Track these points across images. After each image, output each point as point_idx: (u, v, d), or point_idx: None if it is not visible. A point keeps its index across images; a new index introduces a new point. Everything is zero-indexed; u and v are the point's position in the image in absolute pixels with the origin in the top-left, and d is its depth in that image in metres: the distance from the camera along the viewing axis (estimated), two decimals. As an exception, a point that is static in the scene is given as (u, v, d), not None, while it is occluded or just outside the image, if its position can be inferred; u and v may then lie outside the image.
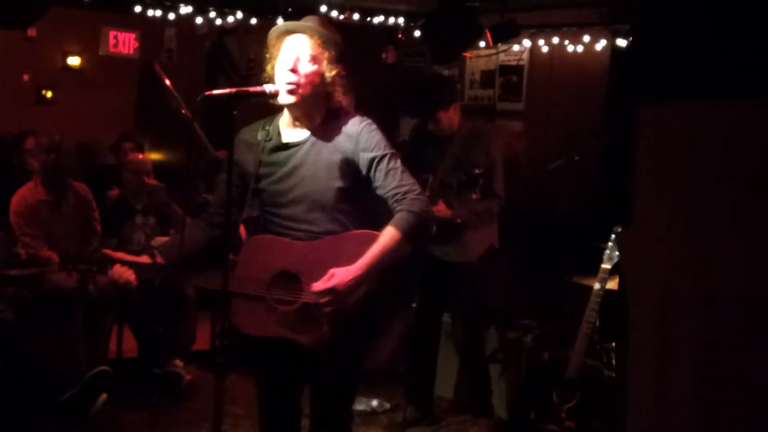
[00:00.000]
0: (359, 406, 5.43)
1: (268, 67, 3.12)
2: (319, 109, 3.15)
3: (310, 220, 3.11)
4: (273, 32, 3.12)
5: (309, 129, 3.15)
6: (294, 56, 3.06)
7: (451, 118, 5.19)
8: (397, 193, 3.05)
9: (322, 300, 2.97)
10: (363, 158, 3.07)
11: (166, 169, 7.60)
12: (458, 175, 4.92)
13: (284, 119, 3.21)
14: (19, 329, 5.20)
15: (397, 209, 3.04)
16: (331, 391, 3.22)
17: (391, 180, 3.06)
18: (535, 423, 4.68)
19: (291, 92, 3.05)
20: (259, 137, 3.21)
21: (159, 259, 3.25)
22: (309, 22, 3.14)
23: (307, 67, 3.05)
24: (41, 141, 5.99)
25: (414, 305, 5.15)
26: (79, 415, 5.10)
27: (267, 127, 3.23)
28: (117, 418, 5.22)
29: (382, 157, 3.06)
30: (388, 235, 2.99)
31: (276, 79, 3.08)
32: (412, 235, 3.01)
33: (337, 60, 3.12)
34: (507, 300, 6.30)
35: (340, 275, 2.95)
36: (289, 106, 3.13)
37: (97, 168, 8.32)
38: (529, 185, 7.30)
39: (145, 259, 3.26)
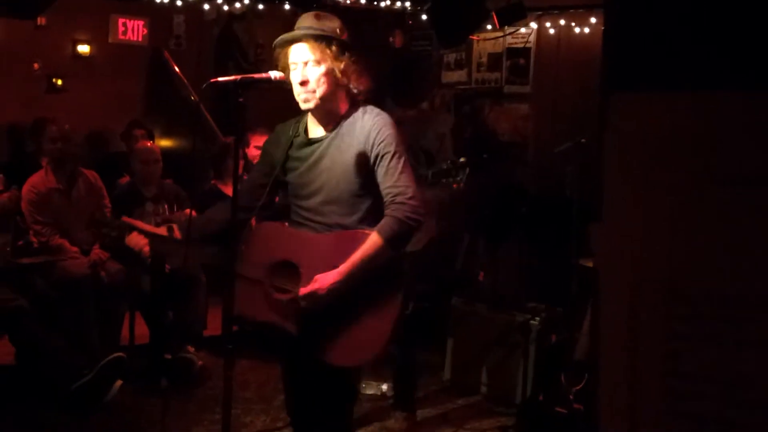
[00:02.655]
0: (369, 390, 5.47)
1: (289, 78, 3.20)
2: (340, 103, 3.20)
3: (325, 212, 3.18)
4: (275, 45, 3.21)
5: (333, 123, 3.21)
6: (300, 67, 3.13)
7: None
8: (388, 194, 3.07)
9: (303, 303, 3.06)
10: (371, 153, 3.10)
11: (176, 155, 7.62)
12: (438, 163, 4.83)
13: (310, 116, 3.28)
14: (33, 317, 5.25)
15: (385, 212, 3.06)
16: (318, 381, 3.26)
17: (388, 179, 3.07)
18: (544, 405, 4.71)
19: (309, 99, 3.14)
20: (290, 133, 3.31)
21: (177, 234, 3.31)
22: (303, 22, 3.18)
23: (314, 72, 3.11)
24: (52, 130, 6.03)
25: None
26: (93, 401, 5.15)
27: (297, 124, 3.33)
28: (130, 404, 5.27)
29: (385, 154, 3.08)
30: (371, 240, 3.02)
31: (294, 92, 3.17)
32: (394, 241, 3.03)
33: (343, 51, 3.15)
34: (515, 283, 6.33)
35: (321, 280, 3.04)
36: (313, 111, 3.21)
37: (108, 156, 8.36)
38: (536, 168, 7.32)
39: (162, 231, 3.32)
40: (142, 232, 3.27)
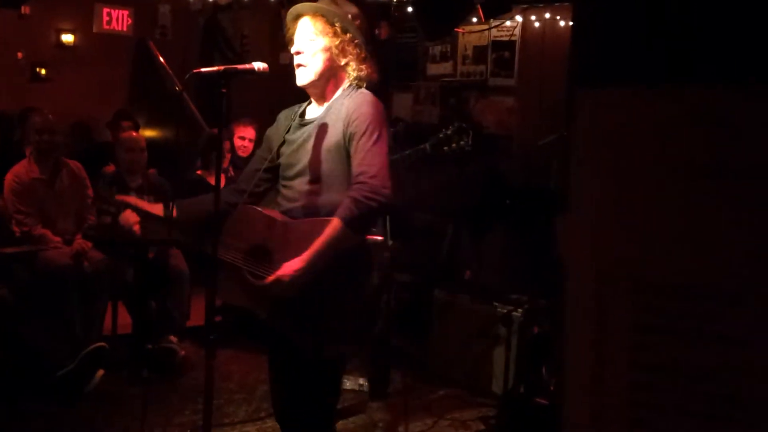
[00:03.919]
0: (348, 385, 5.47)
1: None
2: (336, 85, 3.20)
3: (309, 192, 3.13)
4: (288, 17, 3.22)
5: (326, 104, 3.21)
6: (300, 38, 3.16)
7: None
8: (353, 174, 3.01)
9: (271, 288, 3.02)
10: (347, 132, 3.06)
11: (160, 145, 7.61)
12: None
13: (312, 99, 3.29)
14: (15, 306, 5.24)
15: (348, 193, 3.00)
16: (301, 373, 3.22)
17: (356, 158, 3.01)
18: (525, 396, 4.74)
19: (302, 73, 3.15)
20: (291, 117, 3.31)
21: (174, 213, 3.29)
22: (319, 2, 3.19)
23: (312, 46, 3.13)
24: (36, 120, 6.01)
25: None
26: (75, 390, 5.15)
27: (298, 109, 3.32)
28: (112, 393, 5.26)
29: (356, 132, 3.03)
30: (331, 224, 2.96)
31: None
32: (353, 223, 2.94)
33: (345, 31, 3.13)
34: (498, 275, 6.35)
35: (285, 267, 2.99)
36: (307, 87, 3.20)
37: (93, 146, 8.33)
38: (521, 160, 7.33)
39: (159, 209, 3.31)
40: (136, 210, 3.26)
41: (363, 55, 3.18)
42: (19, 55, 8.26)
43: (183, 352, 5.75)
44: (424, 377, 5.83)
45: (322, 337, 3.07)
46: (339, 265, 3.00)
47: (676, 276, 1.56)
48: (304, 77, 3.16)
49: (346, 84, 3.20)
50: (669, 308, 1.57)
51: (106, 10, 8.78)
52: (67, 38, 8.56)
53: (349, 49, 3.15)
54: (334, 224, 2.96)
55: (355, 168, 3.00)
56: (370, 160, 2.99)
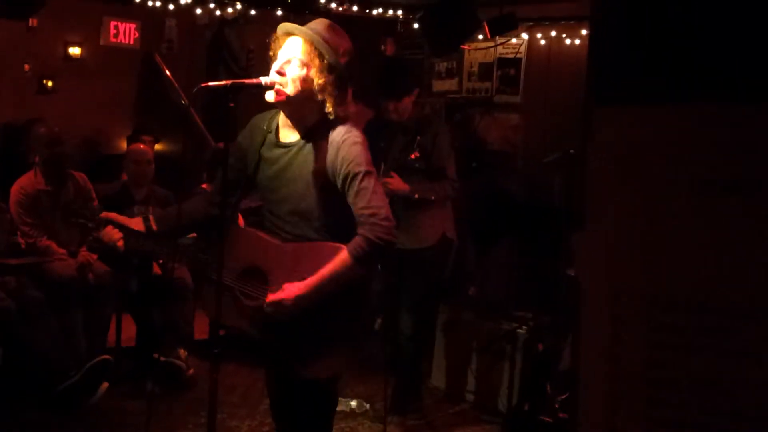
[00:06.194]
0: (338, 407, 5.42)
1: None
2: (311, 113, 3.12)
3: (291, 223, 3.14)
4: (279, 30, 3.16)
5: (301, 132, 3.15)
6: (285, 58, 3.08)
7: (412, 103, 5.20)
8: (362, 215, 2.99)
9: (268, 310, 3.05)
10: (340, 172, 3.03)
11: (165, 159, 7.63)
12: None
13: (282, 117, 3.22)
14: (20, 318, 5.23)
15: (358, 231, 3.00)
16: (297, 389, 3.23)
17: (360, 200, 3.00)
18: (529, 414, 4.72)
19: (275, 92, 3.07)
20: (264, 128, 3.26)
21: (153, 226, 3.32)
22: (314, 25, 3.12)
23: (294, 71, 3.05)
24: (40, 131, 6.02)
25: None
26: (79, 403, 5.15)
27: (271, 120, 3.26)
28: (115, 406, 5.26)
29: (356, 174, 3.00)
30: (340, 258, 2.99)
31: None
32: (364, 261, 2.98)
33: (331, 71, 3.05)
34: (503, 292, 6.34)
35: (288, 290, 3.02)
36: (278, 105, 3.14)
37: (102, 158, 8.36)
38: (525, 178, 7.33)
39: (138, 222, 3.33)
40: (117, 226, 3.28)
41: (342, 97, 3.10)
42: (26, 67, 8.27)
43: (191, 371, 5.69)
44: (429, 393, 5.82)
45: (314, 359, 3.09)
46: (338, 294, 3.03)
47: (693, 292, 1.56)
48: (272, 96, 3.07)
49: (325, 114, 3.09)
50: (685, 325, 1.57)
51: (113, 23, 8.81)
52: (75, 51, 8.58)
53: (330, 89, 3.06)
54: (344, 258, 2.99)
55: (363, 209, 2.99)
56: (377, 201, 3.00)
